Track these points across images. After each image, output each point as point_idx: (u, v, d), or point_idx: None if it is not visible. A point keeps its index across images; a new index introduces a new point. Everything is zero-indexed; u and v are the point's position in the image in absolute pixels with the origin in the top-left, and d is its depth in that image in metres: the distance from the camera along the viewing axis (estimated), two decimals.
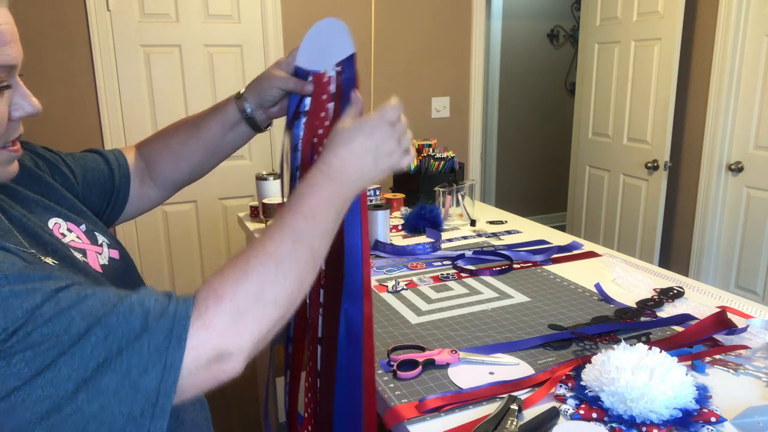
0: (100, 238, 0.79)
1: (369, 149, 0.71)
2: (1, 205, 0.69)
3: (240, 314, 0.59)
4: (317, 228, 0.67)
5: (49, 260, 0.66)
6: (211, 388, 0.59)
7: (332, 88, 0.90)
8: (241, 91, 0.95)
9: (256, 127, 0.96)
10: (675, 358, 0.86)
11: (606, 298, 1.28)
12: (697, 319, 1.14)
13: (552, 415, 0.83)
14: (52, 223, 0.74)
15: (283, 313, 0.63)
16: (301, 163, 0.91)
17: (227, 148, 0.98)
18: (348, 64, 0.88)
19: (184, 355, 0.56)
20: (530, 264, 1.52)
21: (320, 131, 0.90)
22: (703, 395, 0.87)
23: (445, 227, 1.87)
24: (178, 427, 0.78)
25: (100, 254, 0.76)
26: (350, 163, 0.70)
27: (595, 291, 1.33)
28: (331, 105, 0.90)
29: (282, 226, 0.65)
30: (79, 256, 0.72)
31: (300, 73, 0.92)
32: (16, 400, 0.52)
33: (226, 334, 0.58)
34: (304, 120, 0.92)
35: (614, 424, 0.81)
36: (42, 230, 0.70)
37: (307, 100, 0.92)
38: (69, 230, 0.75)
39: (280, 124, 1.04)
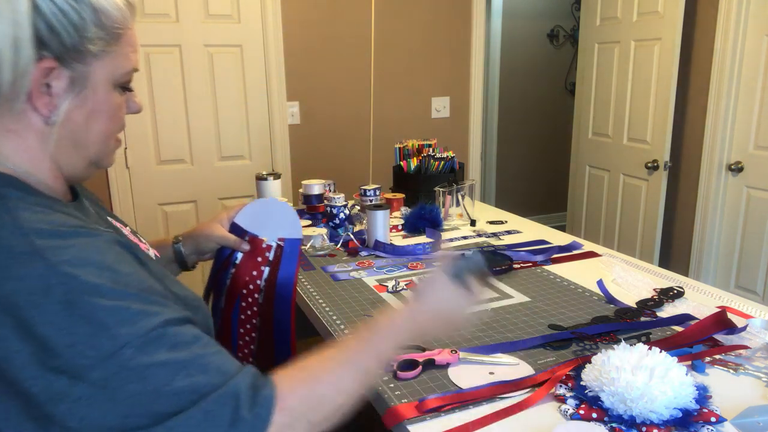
0: (143, 239, 0.86)
1: (446, 323, 0.82)
2: (83, 200, 0.75)
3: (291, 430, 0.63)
4: (379, 367, 0.75)
5: None
6: None
7: (270, 255, 1.02)
8: (179, 237, 1.04)
9: (186, 266, 1.05)
10: (675, 358, 0.86)
11: (608, 296, 1.28)
12: (697, 319, 1.14)
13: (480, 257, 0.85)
14: (110, 219, 0.81)
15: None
16: (225, 308, 1.03)
17: None
18: (293, 244, 1.01)
19: None
20: (530, 264, 1.52)
21: (251, 286, 1.02)
22: (703, 395, 0.87)
23: (445, 227, 1.87)
24: None
25: (148, 251, 0.82)
26: (430, 327, 0.81)
27: (595, 291, 1.33)
28: (266, 269, 1.02)
29: (358, 364, 0.71)
30: None
31: (236, 230, 1.03)
32: None
33: None
34: (232, 271, 1.03)
35: (614, 424, 0.81)
36: (110, 224, 0.78)
37: (239, 254, 1.03)
38: (120, 228, 0.81)
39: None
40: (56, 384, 0.52)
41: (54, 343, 0.52)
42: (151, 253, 0.83)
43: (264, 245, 1.02)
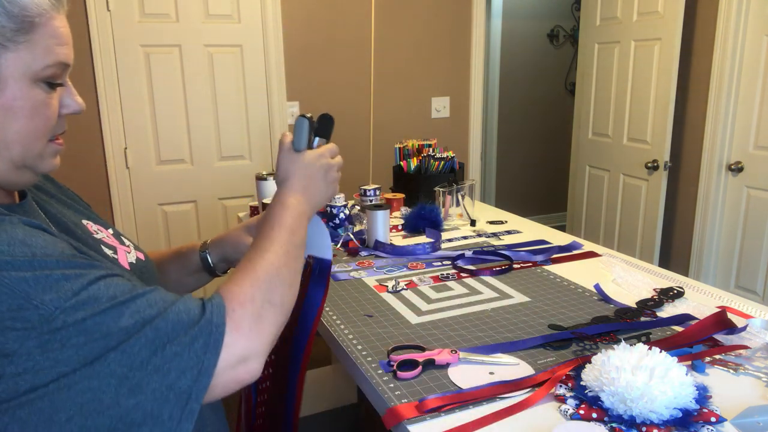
0: (126, 241, 0.84)
1: (321, 176, 0.86)
2: (38, 201, 0.73)
3: (259, 317, 0.66)
4: (298, 239, 0.79)
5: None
6: (233, 390, 0.64)
7: None
8: (207, 242, 1.01)
9: (214, 273, 1.02)
10: (675, 358, 0.86)
11: (606, 298, 1.28)
12: (697, 319, 1.14)
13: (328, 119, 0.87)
14: (84, 222, 0.78)
15: (286, 315, 0.71)
16: None
17: (182, 291, 1.01)
18: (322, 265, 0.94)
19: (218, 359, 0.60)
20: (530, 264, 1.52)
21: None
22: (703, 395, 0.87)
23: (445, 227, 1.87)
24: None
25: (129, 253, 0.80)
26: (312, 187, 0.85)
27: (596, 291, 1.33)
28: None
29: (273, 240, 0.75)
30: (109, 252, 0.76)
31: None
32: (59, 387, 0.54)
33: (251, 335, 0.64)
34: None
35: (614, 424, 0.81)
36: (75, 226, 0.75)
37: None
38: (99, 230, 0.79)
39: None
40: None
41: None
42: (132, 256, 0.80)
43: None
